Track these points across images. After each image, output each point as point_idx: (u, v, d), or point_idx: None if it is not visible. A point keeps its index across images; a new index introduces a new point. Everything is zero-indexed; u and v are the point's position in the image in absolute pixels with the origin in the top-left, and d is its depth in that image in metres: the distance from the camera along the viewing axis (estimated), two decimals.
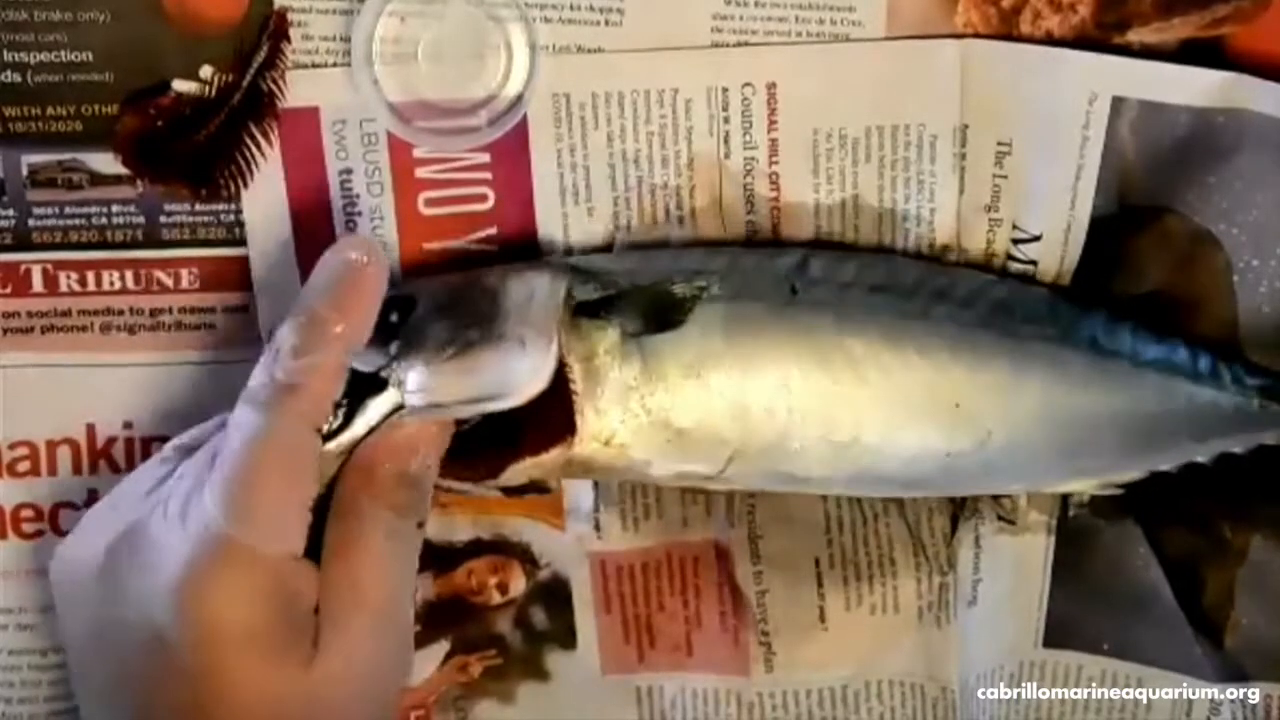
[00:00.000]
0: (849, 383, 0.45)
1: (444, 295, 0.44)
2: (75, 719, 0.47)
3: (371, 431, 0.42)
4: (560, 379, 0.43)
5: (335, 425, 0.42)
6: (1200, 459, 0.47)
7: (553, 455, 0.44)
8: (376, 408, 0.42)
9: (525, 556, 0.50)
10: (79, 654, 0.42)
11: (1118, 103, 0.45)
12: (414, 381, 0.42)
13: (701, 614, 0.51)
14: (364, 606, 0.41)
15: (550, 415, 0.44)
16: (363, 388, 0.42)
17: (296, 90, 0.45)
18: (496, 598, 0.51)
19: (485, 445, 0.44)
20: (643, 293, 0.45)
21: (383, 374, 0.42)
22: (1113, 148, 0.46)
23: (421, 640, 0.50)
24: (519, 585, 0.51)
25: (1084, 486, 0.48)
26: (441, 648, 0.51)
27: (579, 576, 0.51)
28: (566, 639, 0.51)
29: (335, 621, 0.40)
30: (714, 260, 0.46)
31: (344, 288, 0.42)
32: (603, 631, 0.51)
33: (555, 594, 0.51)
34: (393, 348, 0.43)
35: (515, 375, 0.43)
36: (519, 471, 0.44)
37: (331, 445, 0.42)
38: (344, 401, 0.42)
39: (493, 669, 0.51)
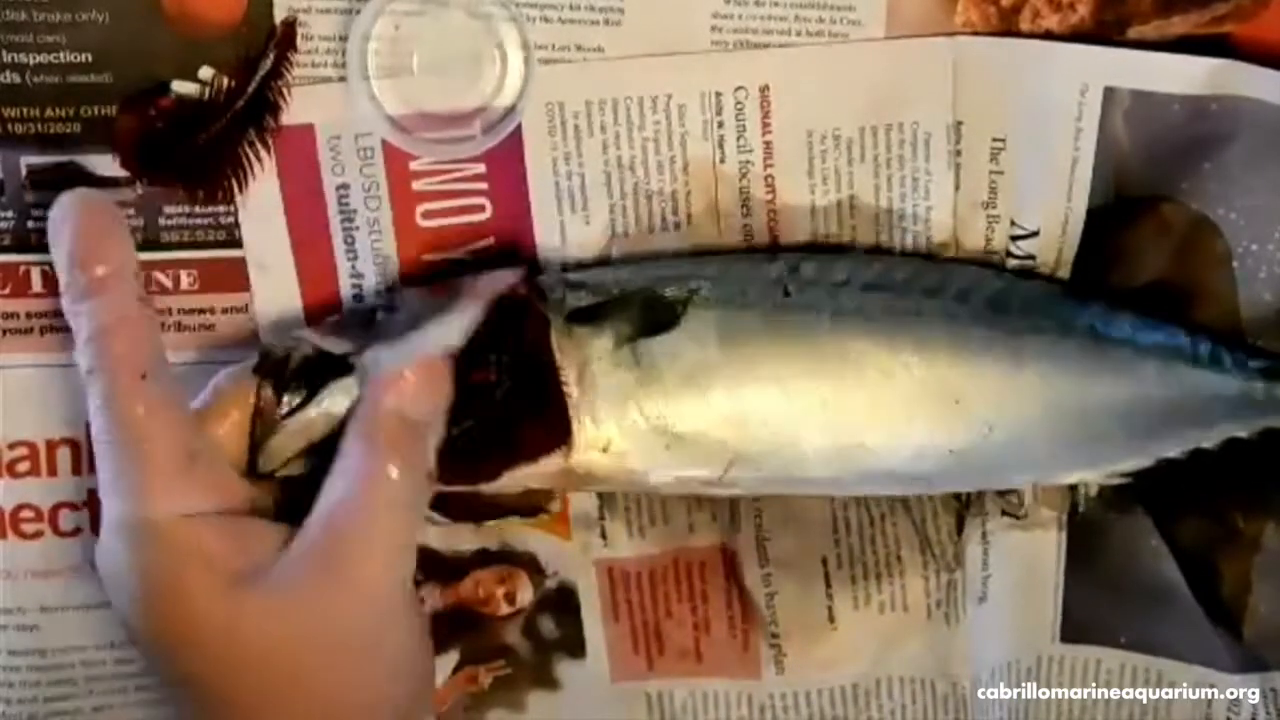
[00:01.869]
0: (847, 384, 0.45)
1: (427, 297, 0.45)
2: None
3: (336, 419, 0.42)
4: (555, 387, 0.43)
5: (295, 404, 0.42)
6: (1207, 445, 0.47)
7: (550, 462, 0.44)
8: (340, 390, 0.42)
9: (532, 566, 0.50)
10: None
11: (1110, 93, 0.45)
12: (374, 366, 0.43)
13: (710, 619, 0.51)
14: (334, 554, 0.41)
15: (547, 423, 0.44)
16: (327, 370, 0.43)
17: (291, 108, 0.45)
18: (504, 608, 0.51)
19: (481, 453, 0.44)
20: (634, 297, 0.45)
21: (350, 359, 0.43)
22: (1107, 138, 0.46)
23: None
24: (526, 595, 0.51)
25: (1091, 476, 0.48)
26: (450, 659, 0.51)
27: (586, 585, 0.50)
28: (575, 648, 0.51)
29: (317, 556, 0.40)
30: (705, 267, 0.46)
31: (75, 243, 0.41)
32: (611, 639, 0.51)
33: (563, 603, 0.51)
34: (365, 336, 0.43)
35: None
36: (516, 479, 0.44)
37: (290, 422, 0.42)
38: (305, 381, 0.42)
39: (502, 679, 0.51)
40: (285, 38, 0.45)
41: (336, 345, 0.43)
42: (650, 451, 0.44)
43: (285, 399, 0.43)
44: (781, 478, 0.45)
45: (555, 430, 0.44)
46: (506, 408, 0.44)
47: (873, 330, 0.45)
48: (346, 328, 0.44)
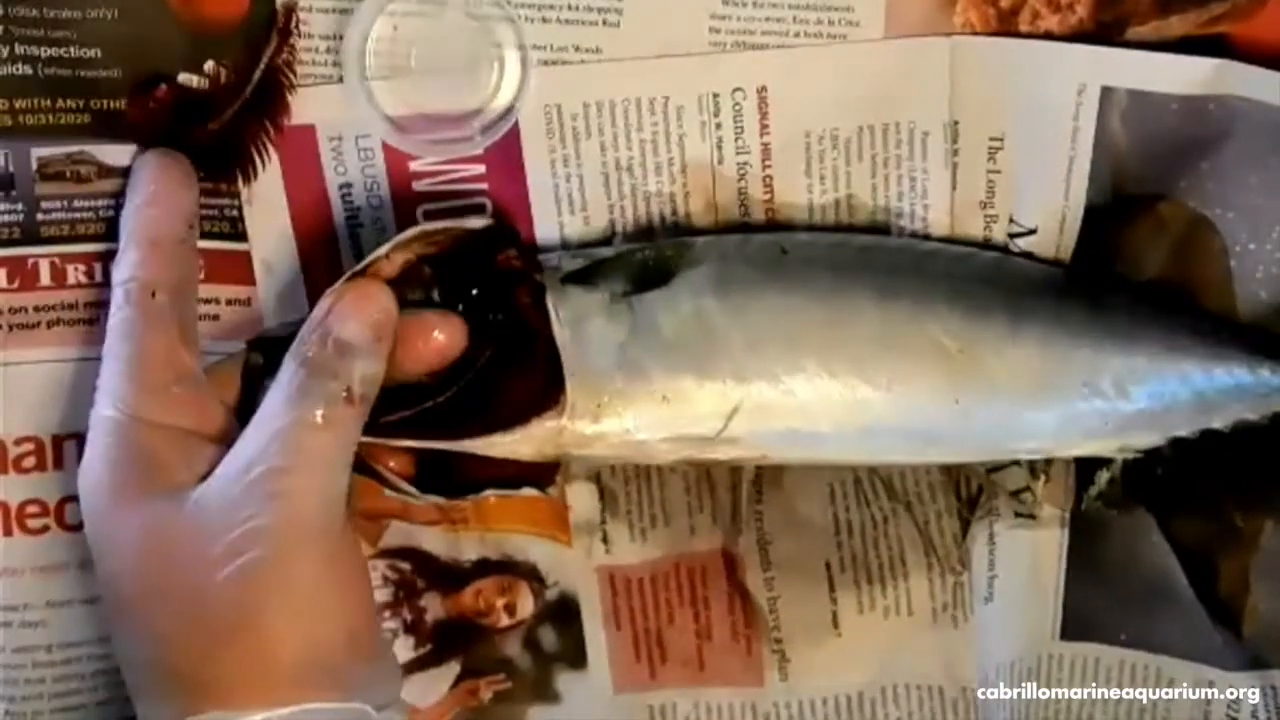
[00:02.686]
0: (847, 331, 0.44)
1: None
2: (80, 716, 0.48)
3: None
4: (548, 347, 0.43)
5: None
6: (1218, 425, 0.47)
7: (543, 425, 0.43)
8: None
9: (533, 576, 0.50)
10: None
11: (1107, 93, 0.46)
12: None
13: (712, 625, 0.50)
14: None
15: (538, 383, 0.43)
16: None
17: (292, 109, 0.45)
18: (505, 619, 0.50)
19: (473, 413, 0.43)
20: (628, 254, 0.45)
21: None
22: (1104, 138, 0.46)
23: (431, 663, 0.50)
24: (527, 606, 0.50)
25: (1102, 449, 0.47)
26: (451, 670, 0.50)
27: (588, 591, 0.50)
28: (577, 658, 0.50)
29: (240, 474, 0.40)
30: (697, 238, 0.46)
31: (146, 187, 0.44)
32: (613, 648, 0.50)
33: (564, 612, 0.50)
34: None
35: None
36: (508, 445, 0.43)
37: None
38: None
39: (503, 693, 0.50)
40: (286, 23, 0.44)
41: None
42: (646, 409, 0.43)
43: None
44: (786, 432, 0.44)
45: (548, 390, 0.43)
46: (498, 369, 0.43)
47: (872, 282, 0.45)
48: None
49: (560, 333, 0.43)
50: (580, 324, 0.43)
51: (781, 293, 0.45)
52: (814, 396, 0.44)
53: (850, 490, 0.50)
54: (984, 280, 0.46)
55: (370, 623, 0.43)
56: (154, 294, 0.43)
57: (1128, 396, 0.46)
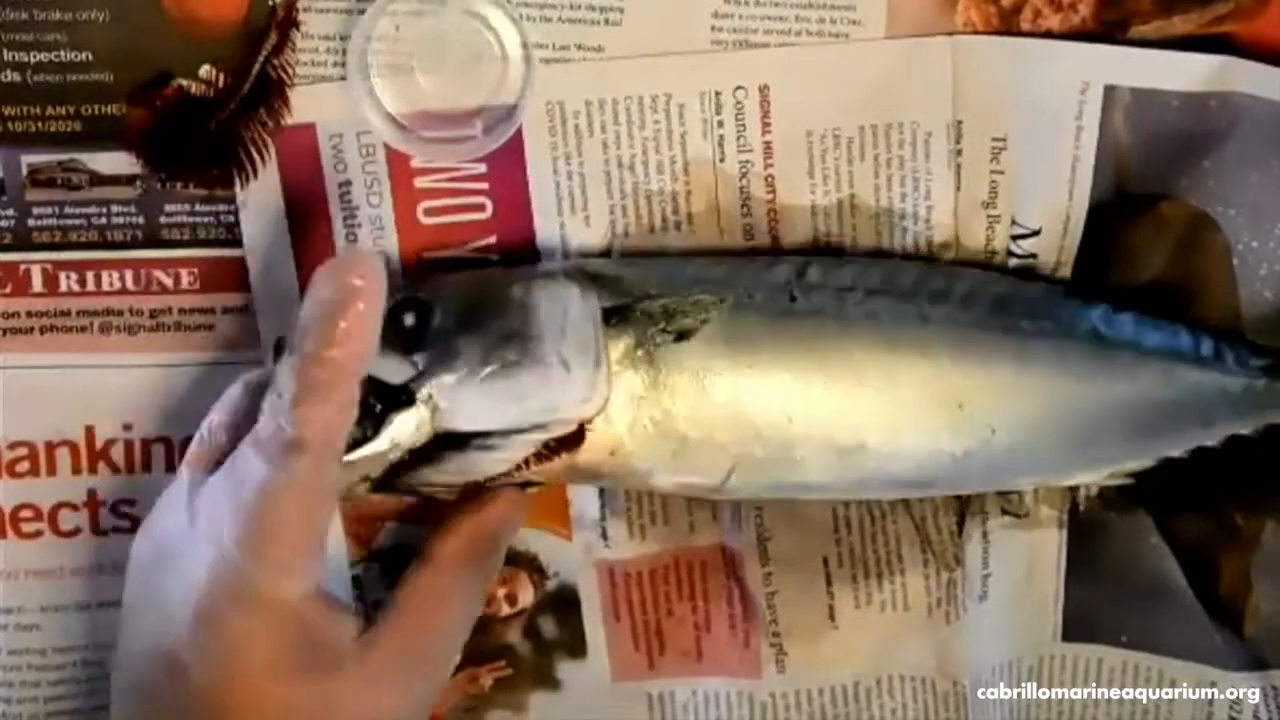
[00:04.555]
0: (851, 388, 0.45)
1: (464, 303, 0.44)
2: (75, 719, 0.48)
3: (400, 449, 0.42)
4: None
5: (357, 436, 0.41)
6: (1209, 443, 0.47)
7: (557, 464, 0.44)
8: (404, 424, 0.41)
9: (533, 567, 0.50)
10: (121, 654, 0.42)
11: (1110, 91, 0.45)
12: (447, 402, 0.42)
13: (711, 618, 0.51)
14: (419, 651, 0.42)
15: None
16: (387, 399, 0.41)
17: (292, 107, 0.45)
18: (505, 609, 0.51)
19: None
20: (659, 303, 0.44)
21: (411, 386, 0.42)
22: (1107, 136, 0.46)
23: None
24: (527, 596, 0.51)
25: (1093, 478, 0.48)
26: None
27: (587, 585, 0.50)
28: (576, 648, 0.51)
29: (391, 658, 0.41)
30: (713, 269, 0.46)
31: (340, 318, 0.39)
32: (612, 639, 0.51)
33: (564, 603, 0.51)
34: (419, 360, 0.42)
35: (563, 400, 0.42)
36: (521, 473, 0.44)
37: (353, 456, 0.41)
38: (370, 411, 0.41)
39: (503, 680, 0.51)
40: (286, 19, 0.45)
41: (391, 373, 0.42)
42: (656, 455, 0.44)
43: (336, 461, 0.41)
44: (781, 484, 0.45)
45: (569, 435, 0.43)
46: None
47: (877, 335, 0.45)
48: (390, 344, 0.41)
49: None
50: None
51: (788, 349, 0.45)
52: (813, 453, 0.45)
53: None
54: (988, 328, 0.46)
55: None
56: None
57: (1125, 433, 0.46)
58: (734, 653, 0.51)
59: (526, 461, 0.43)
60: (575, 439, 0.43)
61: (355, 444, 0.41)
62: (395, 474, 0.43)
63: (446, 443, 0.42)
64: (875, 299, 0.46)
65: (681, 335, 0.44)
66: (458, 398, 0.42)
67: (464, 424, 0.42)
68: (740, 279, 0.46)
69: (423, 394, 0.42)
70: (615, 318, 0.44)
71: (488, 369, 0.42)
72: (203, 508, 0.40)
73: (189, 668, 0.39)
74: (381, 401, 0.41)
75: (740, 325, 0.45)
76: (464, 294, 0.44)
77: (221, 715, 0.39)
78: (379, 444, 0.41)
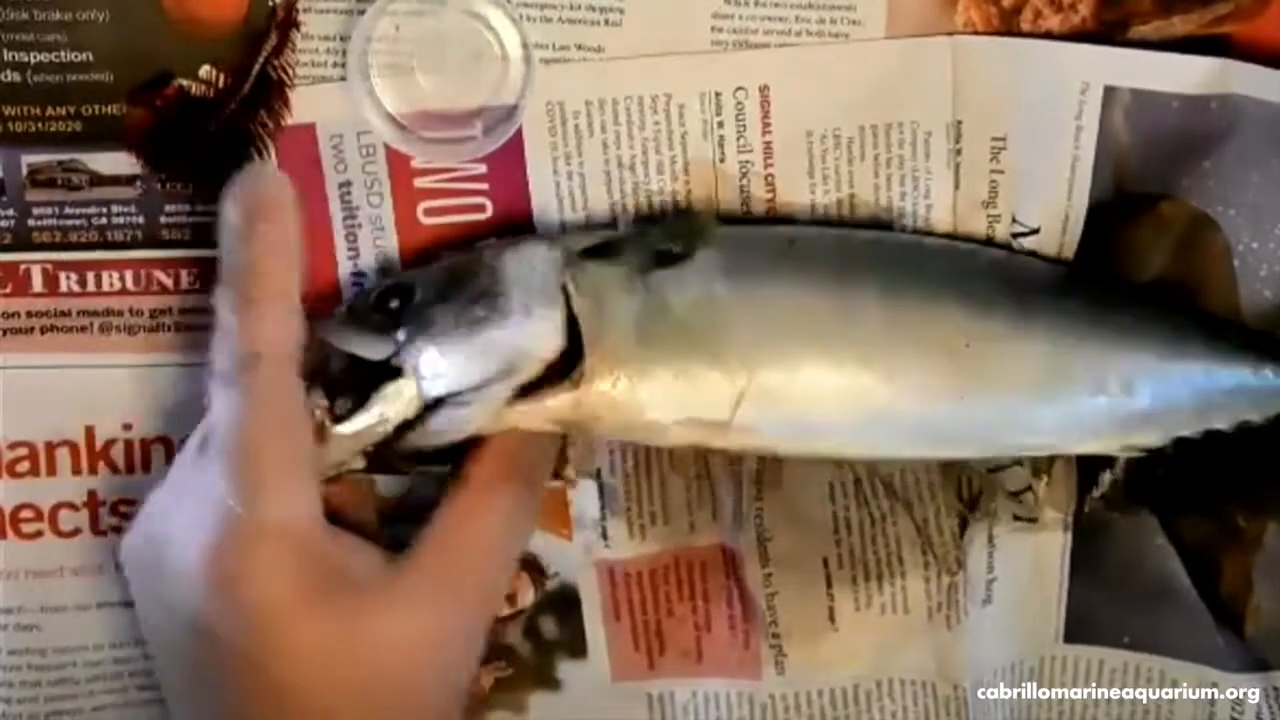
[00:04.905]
0: (851, 323, 0.45)
1: (442, 278, 0.45)
2: (75, 719, 0.48)
3: (390, 422, 0.42)
4: (570, 323, 0.43)
5: (346, 409, 0.42)
6: (1220, 425, 0.47)
7: (560, 398, 0.43)
8: (394, 393, 0.42)
9: (534, 567, 0.50)
10: (151, 647, 0.43)
11: (1110, 92, 0.45)
12: (428, 367, 0.43)
13: (711, 619, 0.51)
14: (455, 574, 0.42)
15: (558, 358, 0.44)
16: (374, 376, 0.43)
17: (292, 107, 0.46)
18: (506, 608, 0.50)
19: None
20: (640, 233, 0.45)
21: (394, 361, 0.43)
22: (1107, 137, 0.46)
23: None
24: (528, 596, 0.51)
25: (1106, 448, 0.47)
26: None
27: (587, 585, 0.50)
28: (576, 648, 0.51)
29: (425, 581, 0.41)
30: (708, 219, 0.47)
31: (251, 234, 0.41)
32: (612, 639, 0.51)
33: (564, 603, 0.51)
34: (400, 334, 0.43)
35: (527, 343, 0.43)
36: (525, 415, 0.44)
37: (344, 428, 0.42)
38: (351, 385, 0.42)
39: (503, 680, 0.51)
40: (286, 19, 0.45)
41: (374, 350, 0.43)
42: (659, 386, 0.44)
43: (336, 404, 0.42)
44: (787, 421, 0.45)
45: (565, 361, 0.43)
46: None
47: (877, 276, 0.45)
48: (368, 323, 0.43)
49: (579, 302, 0.44)
50: (599, 296, 0.44)
51: (788, 283, 0.45)
52: (818, 386, 0.45)
53: (850, 489, 0.50)
54: (989, 276, 0.46)
55: None
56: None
57: (1132, 394, 0.46)
58: (734, 653, 0.51)
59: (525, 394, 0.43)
60: (553, 378, 0.43)
61: (341, 419, 0.42)
62: (389, 449, 0.43)
63: (431, 409, 0.43)
64: (875, 246, 0.47)
65: (674, 258, 0.44)
66: (438, 364, 0.43)
67: (446, 388, 0.43)
68: (735, 233, 0.46)
69: (407, 367, 0.43)
70: (609, 250, 0.45)
71: (459, 330, 0.43)
72: (187, 479, 0.41)
73: (214, 628, 0.39)
74: (367, 381, 0.42)
75: (738, 262, 0.45)
76: (443, 270, 0.45)
77: (254, 668, 0.39)
78: (369, 416, 0.42)
